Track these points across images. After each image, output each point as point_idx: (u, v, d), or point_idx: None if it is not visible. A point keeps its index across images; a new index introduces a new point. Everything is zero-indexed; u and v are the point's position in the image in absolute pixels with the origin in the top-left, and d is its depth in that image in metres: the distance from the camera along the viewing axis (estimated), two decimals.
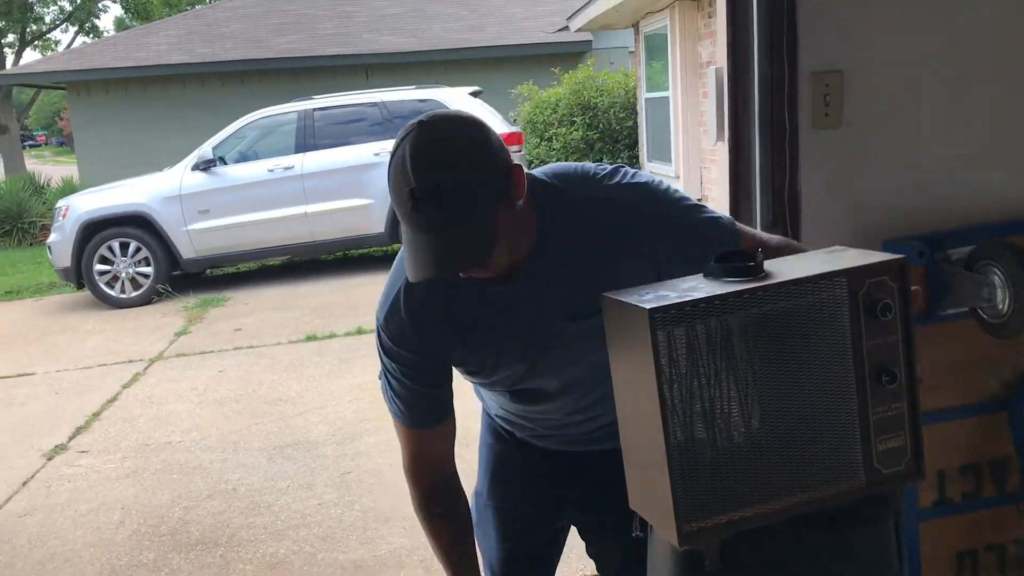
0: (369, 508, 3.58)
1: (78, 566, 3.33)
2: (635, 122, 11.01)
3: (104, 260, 8.31)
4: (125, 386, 5.65)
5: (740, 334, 1.08)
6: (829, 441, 1.12)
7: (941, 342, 1.81)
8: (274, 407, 4.96)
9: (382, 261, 9.13)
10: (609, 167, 1.42)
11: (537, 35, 15.40)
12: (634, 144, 11.03)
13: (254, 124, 8.90)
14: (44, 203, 13.61)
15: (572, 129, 10.91)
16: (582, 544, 1.81)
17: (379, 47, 15.18)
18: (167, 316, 7.72)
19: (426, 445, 1.53)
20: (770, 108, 1.79)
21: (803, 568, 1.18)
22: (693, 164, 9.00)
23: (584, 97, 11.06)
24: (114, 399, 5.39)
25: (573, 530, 1.81)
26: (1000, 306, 1.67)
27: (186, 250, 8.42)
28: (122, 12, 33.03)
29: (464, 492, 1.61)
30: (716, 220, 1.41)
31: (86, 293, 8.51)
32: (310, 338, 6.40)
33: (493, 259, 1.27)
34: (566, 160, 10.75)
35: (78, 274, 8.30)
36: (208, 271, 9.31)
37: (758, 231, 1.51)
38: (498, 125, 9.02)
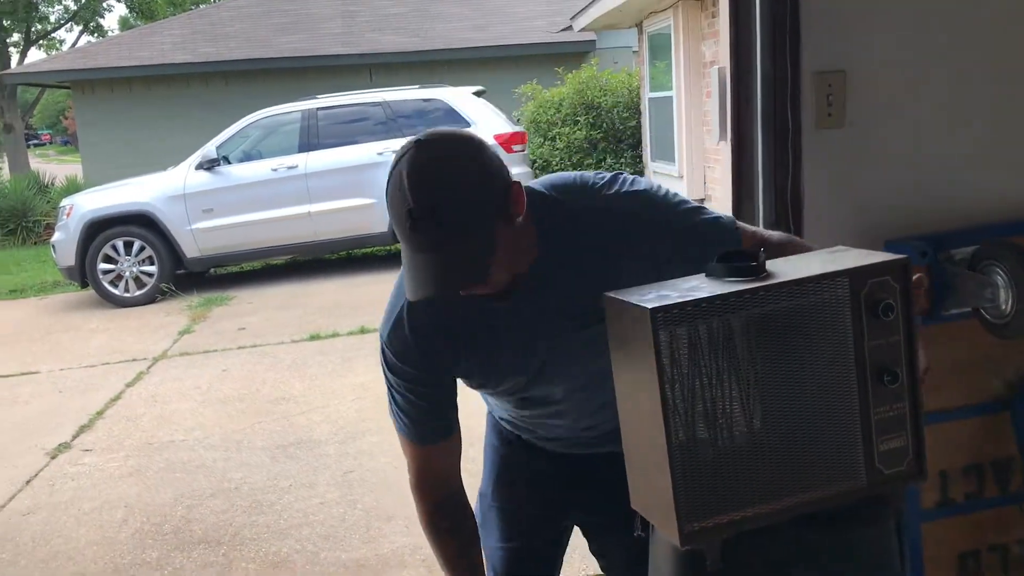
0: (371, 507, 3.58)
1: (81, 564, 3.34)
2: (639, 122, 11.00)
3: (108, 259, 8.32)
4: (129, 385, 5.66)
5: (742, 334, 1.08)
6: (831, 441, 1.12)
7: (944, 342, 1.80)
8: (277, 406, 4.97)
9: (385, 261, 9.14)
10: (608, 175, 1.42)
11: (541, 35, 15.40)
12: (637, 144, 11.02)
13: (258, 123, 8.92)
14: (48, 202, 13.64)
15: (575, 129, 10.91)
16: (584, 544, 1.81)
17: (383, 47, 15.18)
18: (171, 315, 7.73)
19: (432, 460, 1.54)
20: (773, 108, 1.78)
21: (804, 568, 1.18)
22: (696, 164, 8.99)
23: (588, 97, 11.05)
24: (118, 398, 5.40)
25: (576, 530, 1.81)
26: (1003, 306, 1.67)
27: (190, 249, 8.43)
28: (126, 11, 33.11)
29: (470, 505, 1.61)
30: (716, 220, 1.41)
31: (90, 292, 8.53)
32: (313, 337, 6.41)
33: (493, 276, 1.27)
34: (569, 159, 10.77)
35: (82, 273, 8.32)
36: (212, 270, 9.32)
37: (760, 228, 1.51)
38: (501, 124, 9.04)
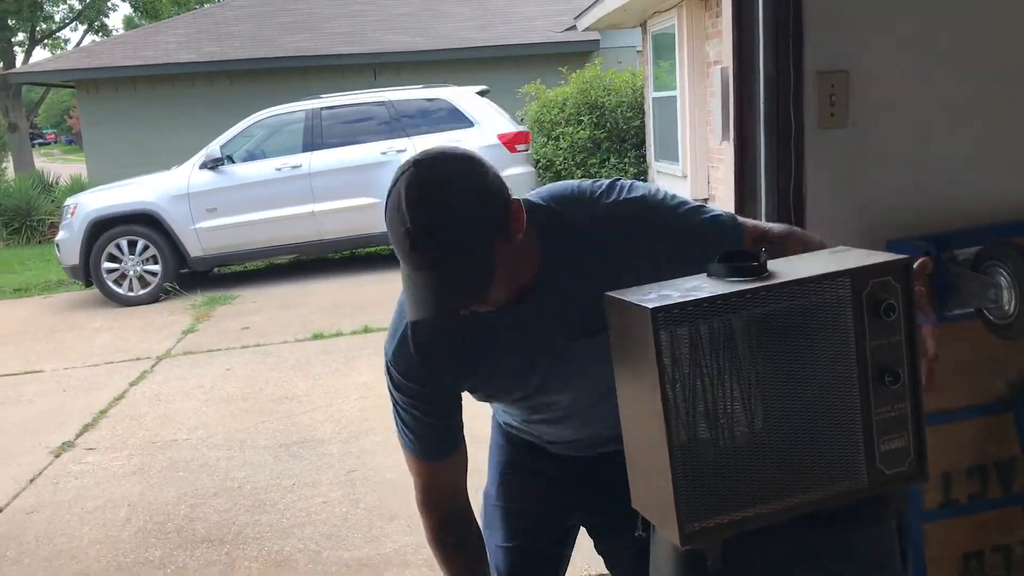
0: (374, 506, 3.59)
1: (84, 563, 3.35)
2: (642, 121, 11.00)
3: (112, 258, 8.33)
4: (132, 384, 5.67)
5: (743, 334, 1.08)
6: (832, 441, 1.12)
7: (947, 343, 1.78)
8: (280, 405, 4.98)
9: (389, 260, 9.14)
10: (605, 183, 1.42)
11: (545, 34, 15.40)
12: (641, 143, 11.02)
13: (262, 123, 8.93)
14: (53, 201, 13.66)
15: (579, 128, 10.91)
16: (587, 543, 1.81)
17: (387, 46, 15.19)
18: (175, 314, 7.74)
19: (438, 476, 1.54)
20: (776, 108, 1.78)
21: (805, 568, 1.18)
22: (700, 163, 8.99)
23: (591, 96, 11.05)
24: (121, 397, 5.41)
25: (581, 529, 1.81)
26: (1006, 307, 1.67)
27: (194, 248, 8.44)
28: (131, 11, 33.17)
29: (476, 521, 1.62)
30: (716, 219, 1.40)
31: (94, 291, 8.54)
32: (317, 336, 6.42)
33: (494, 293, 1.27)
34: (573, 159, 10.76)
35: (86, 272, 8.34)
36: (216, 269, 9.33)
37: (761, 221, 1.51)
38: (505, 124, 9.04)
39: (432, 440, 1.51)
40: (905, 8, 1.78)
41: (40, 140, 51.87)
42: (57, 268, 9.37)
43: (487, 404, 1.72)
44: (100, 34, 29.95)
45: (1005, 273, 1.63)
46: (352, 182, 8.55)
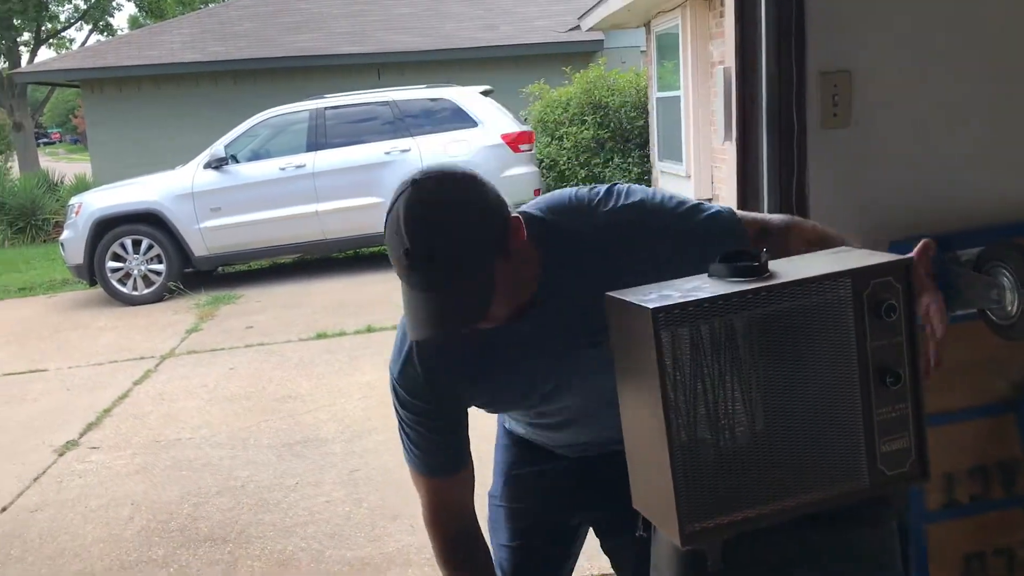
0: (377, 506, 3.59)
1: (88, 561, 3.35)
2: (646, 121, 10.99)
3: (116, 257, 8.35)
4: (136, 383, 5.68)
5: (744, 334, 1.08)
6: (833, 442, 1.12)
7: (949, 343, 1.79)
8: (284, 404, 4.98)
9: None
10: (603, 190, 1.42)
11: (549, 34, 15.40)
12: (645, 143, 11.01)
13: (266, 123, 8.94)
14: (57, 200, 13.69)
15: (583, 128, 10.90)
16: (591, 544, 1.82)
17: (391, 46, 15.20)
18: (179, 313, 7.75)
19: (446, 493, 1.54)
20: (778, 108, 1.78)
21: (806, 569, 1.18)
22: (704, 163, 8.98)
23: (595, 96, 11.04)
24: (125, 396, 5.42)
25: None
26: (1009, 307, 1.66)
27: (198, 248, 8.45)
28: (136, 10, 33.21)
29: (483, 537, 1.62)
30: (715, 215, 1.40)
31: (98, 290, 8.56)
32: (320, 336, 6.42)
33: (494, 311, 1.28)
34: (576, 159, 10.75)
35: (90, 271, 8.35)
36: (220, 269, 9.35)
37: (760, 213, 1.50)
38: (509, 124, 9.04)
39: (439, 457, 1.51)
40: (907, 8, 1.77)
41: (45, 139, 52.00)
42: (62, 267, 9.39)
43: None
44: (105, 34, 29.99)
45: (1007, 273, 1.62)
46: (356, 182, 8.56)
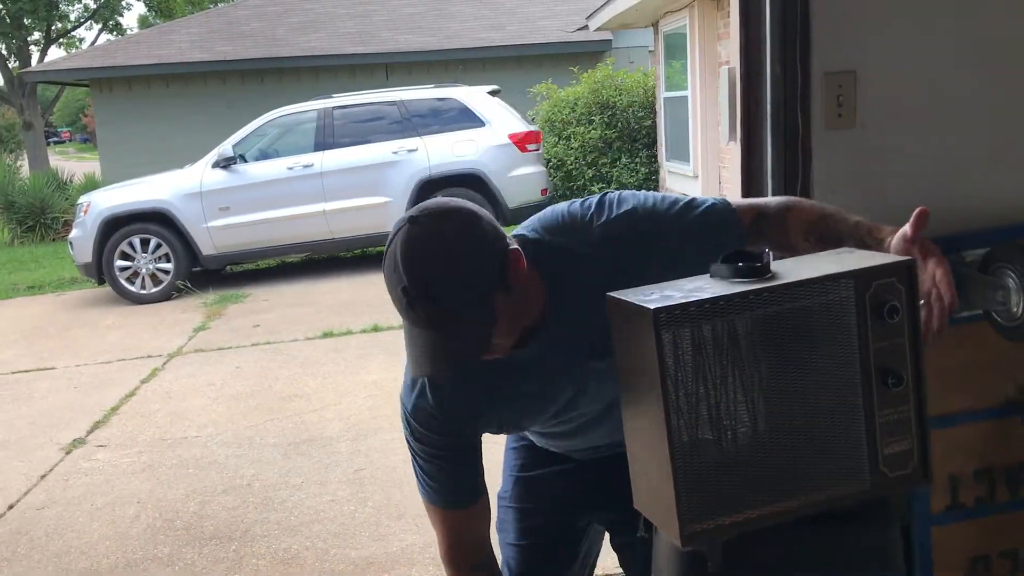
0: (382, 505, 3.59)
1: (93, 559, 3.37)
2: (653, 121, 10.98)
3: (125, 256, 8.38)
4: (143, 381, 5.70)
5: (746, 335, 1.07)
6: (834, 443, 1.11)
7: (954, 345, 1.79)
8: (290, 403, 4.99)
9: None
10: (594, 202, 1.41)
11: (556, 34, 15.39)
12: (652, 143, 11.00)
13: (274, 122, 8.96)
14: (67, 199, 13.73)
15: (590, 128, 10.90)
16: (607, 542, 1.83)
17: (399, 46, 15.22)
18: (186, 312, 7.78)
19: (463, 526, 1.53)
20: (783, 108, 1.77)
21: (807, 570, 1.18)
22: (711, 164, 8.96)
23: (603, 96, 11.04)
24: (132, 394, 5.44)
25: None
26: (1015, 309, 1.65)
27: (206, 246, 8.47)
28: (145, 10, 33.32)
29: (499, 570, 1.62)
30: (708, 211, 1.39)
31: (107, 289, 8.59)
32: (327, 335, 6.43)
33: (497, 344, 1.28)
34: (584, 159, 10.75)
35: (99, 270, 8.38)
36: (227, 268, 9.37)
37: (758, 199, 1.48)
38: (516, 124, 9.04)
39: (455, 488, 1.51)
40: (913, 8, 1.77)
41: (55, 138, 52.24)
42: (70, 266, 9.42)
43: None
44: (115, 33, 30.11)
45: (1013, 275, 1.62)
46: (363, 181, 8.58)
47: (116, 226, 8.37)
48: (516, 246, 1.30)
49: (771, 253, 1.53)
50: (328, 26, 16.01)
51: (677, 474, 1.06)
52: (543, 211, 1.46)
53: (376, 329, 6.35)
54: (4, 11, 25.28)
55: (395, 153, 8.61)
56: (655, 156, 10.95)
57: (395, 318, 1.51)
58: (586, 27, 13.11)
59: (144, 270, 8.40)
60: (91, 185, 13.38)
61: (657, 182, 10.86)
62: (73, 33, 32.04)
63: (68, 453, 4.52)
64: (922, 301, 1.15)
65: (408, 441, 1.50)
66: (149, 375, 5.82)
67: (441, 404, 1.43)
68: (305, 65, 14.73)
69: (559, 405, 1.48)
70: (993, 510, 1.92)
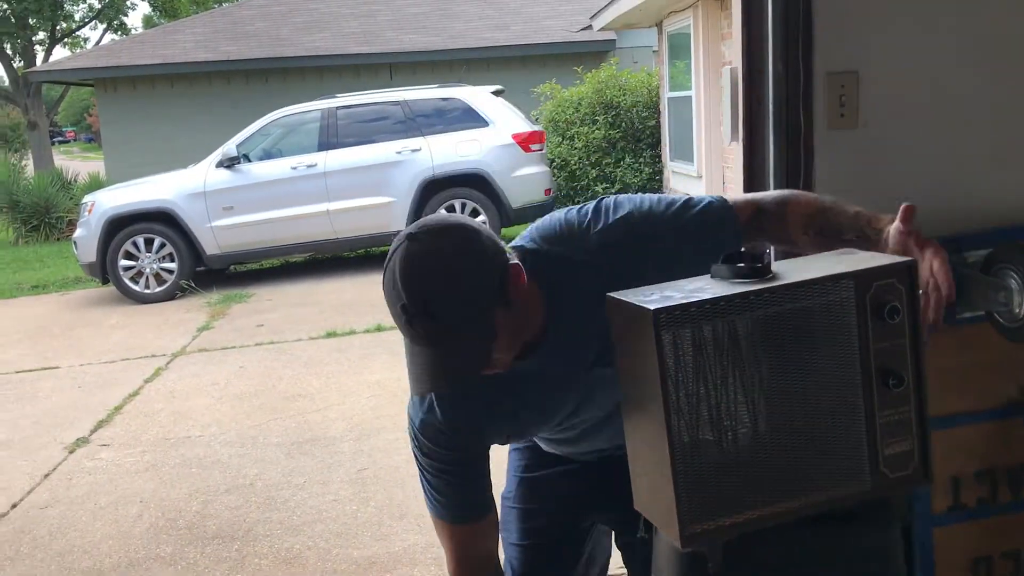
0: (384, 505, 3.59)
1: (96, 558, 3.37)
2: (657, 121, 10.97)
3: (129, 255, 8.38)
4: (147, 380, 5.70)
5: (747, 336, 1.07)
6: (835, 444, 1.11)
7: (957, 346, 1.79)
8: (293, 403, 5.00)
9: None
10: (591, 209, 1.41)
11: (560, 34, 15.39)
12: (656, 143, 10.99)
13: (278, 122, 8.96)
14: (71, 198, 13.75)
15: (594, 128, 10.89)
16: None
17: (403, 46, 15.23)
18: (190, 311, 7.78)
19: (471, 541, 1.53)
20: (785, 108, 1.77)
21: (808, 571, 1.18)
22: (715, 163, 8.96)
23: (607, 96, 11.03)
24: (136, 393, 5.44)
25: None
26: (1016, 310, 1.65)
27: (210, 246, 8.48)
28: (150, 10, 33.37)
29: None
30: (704, 210, 1.39)
31: (111, 288, 8.60)
32: (330, 335, 6.44)
33: (498, 358, 1.28)
34: (588, 159, 10.74)
35: (103, 269, 8.39)
36: (231, 267, 9.38)
37: (756, 194, 1.48)
38: (520, 124, 9.04)
39: (463, 503, 1.51)
40: (915, 8, 1.76)
41: (60, 138, 52.32)
42: (75, 265, 9.44)
43: None
44: (119, 33, 30.14)
45: (1015, 276, 1.61)
46: (367, 181, 8.58)
47: (120, 226, 8.38)
48: (516, 260, 1.30)
49: (772, 254, 1.53)
50: (332, 26, 16.02)
51: (677, 475, 1.06)
52: (541, 220, 1.46)
53: (380, 329, 6.36)
54: (9, 11, 25.31)
55: (399, 153, 8.62)
56: (659, 156, 10.95)
57: None
58: (590, 27, 13.11)
59: (148, 270, 8.41)
60: (95, 185, 13.40)
61: (661, 182, 10.85)
62: (78, 33, 32.07)
63: (71, 452, 4.53)
64: (920, 291, 1.14)
65: (416, 456, 1.50)
66: (153, 374, 5.83)
67: (449, 419, 1.43)
68: (309, 65, 14.74)
69: (564, 413, 1.48)
70: (995, 511, 1.92)
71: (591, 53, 14.61)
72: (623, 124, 10.97)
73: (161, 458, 4.33)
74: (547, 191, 9.12)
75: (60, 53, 29.97)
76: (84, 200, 9.01)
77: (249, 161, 8.66)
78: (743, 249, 1.41)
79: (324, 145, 8.72)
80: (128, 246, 8.36)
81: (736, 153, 1.90)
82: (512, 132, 8.86)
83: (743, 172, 1.88)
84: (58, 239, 13.27)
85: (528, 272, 1.31)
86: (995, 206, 1.79)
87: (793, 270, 1.13)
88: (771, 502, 1.10)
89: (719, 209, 1.39)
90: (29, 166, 20.25)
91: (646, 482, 1.15)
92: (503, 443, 1.56)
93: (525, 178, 8.85)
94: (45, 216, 13.63)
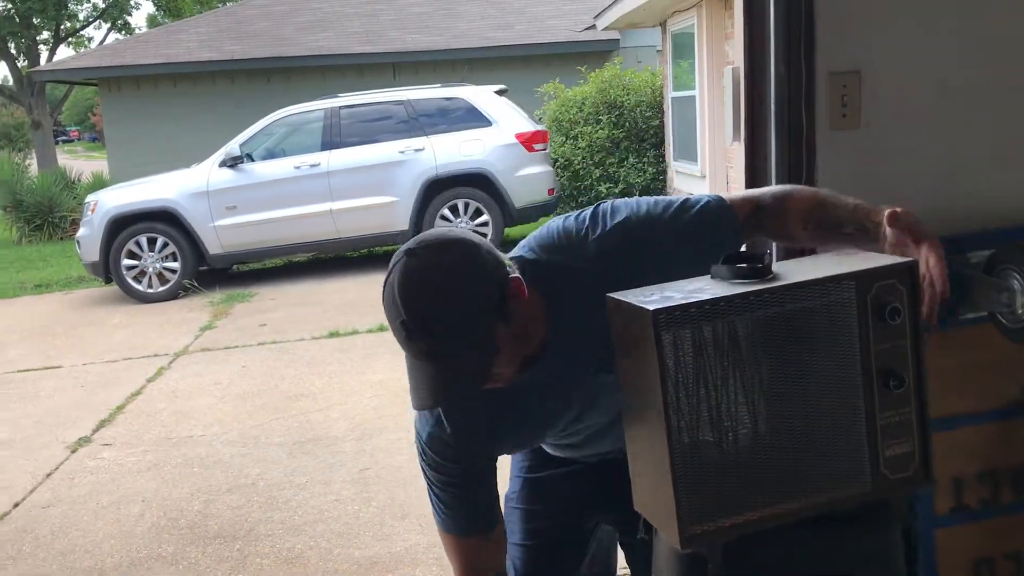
0: (386, 505, 3.59)
1: (98, 557, 3.37)
2: (661, 121, 10.95)
3: (132, 255, 8.40)
4: (149, 380, 5.71)
5: (747, 336, 1.07)
6: (835, 445, 1.11)
7: (959, 347, 1.78)
8: (295, 403, 5.00)
9: None
10: (588, 216, 1.40)
11: (564, 33, 15.38)
12: (660, 143, 10.97)
13: (281, 121, 8.97)
14: (75, 198, 13.78)
15: (598, 128, 10.87)
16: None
17: (406, 45, 15.23)
18: (193, 311, 7.79)
19: (481, 555, 1.53)
20: (787, 108, 1.76)
21: (808, 572, 1.17)
22: (719, 163, 8.95)
23: (610, 96, 11.01)
24: (138, 393, 5.45)
25: None
26: (1019, 311, 1.64)
27: (213, 246, 8.49)
28: (154, 9, 33.41)
29: None
30: (702, 210, 1.38)
31: (114, 287, 8.61)
32: (333, 334, 6.44)
33: (500, 371, 1.28)
34: (591, 158, 10.72)
35: (106, 268, 8.40)
36: (234, 267, 9.39)
37: (754, 190, 1.47)
38: (523, 123, 9.04)
39: (469, 516, 1.50)
40: (917, 8, 1.76)
41: (64, 137, 52.41)
42: (78, 264, 9.45)
43: None
44: (123, 32, 30.16)
45: (1018, 277, 1.61)
46: (370, 181, 8.59)
47: (123, 225, 8.40)
48: (516, 274, 1.29)
49: (773, 254, 1.53)
50: (335, 25, 16.02)
51: (677, 475, 1.06)
52: (539, 229, 1.46)
53: (382, 329, 6.35)
54: (13, 10, 25.37)
55: (402, 153, 8.62)
56: (663, 156, 10.93)
57: None
58: (594, 26, 13.10)
59: (151, 269, 8.42)
60: (99, 184, 13.42)
61: (665, 182, 10.84)
62: (82, 32, 32.12)
63: (74, 452, 4.53)
64: None
65: (424, 470, 1.50)
66: (155, 374, 5.83)
67: (457, 432, 1.43)
68: (312, 64, 14.74)
69: (567, 420, 1.48)
70: (997, 512, 1.91)
71: (595, 52, 14.59)
72: (627, 124, 10.95)
73: (163, 457, 4.33)
74: (550, 191, 9.12)
75: (64, 52, 30.02)
76: (87, 199, 9.03)
77: (252, 160, 8.66)
78: (743, 249, 1.41)
79: (327, 145, 8.72)
80: (131, 245, 8.38)
81: (739, 153, 1.89)
82: (515, 132, 8.86)
83: (745, 172, 1.87)
84: (61, 238, 13.30)
85: (528, 283, 1.30)
86: (997, 206, 1.78)
87: (794, 270, 1.13)
88: (771, 503, 1.09)
89: (717, 208, 1.38)
90: (33, 165, 20.27)
91: (646, 483, 1.15)
92: (509, 453, 1.56)
93: (528, 178, 8.85)
94: (48, 215, 13.66)
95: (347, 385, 5.25)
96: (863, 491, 1.11)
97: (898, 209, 1.19)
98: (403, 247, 1.27)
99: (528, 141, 8.87)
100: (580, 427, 1.52)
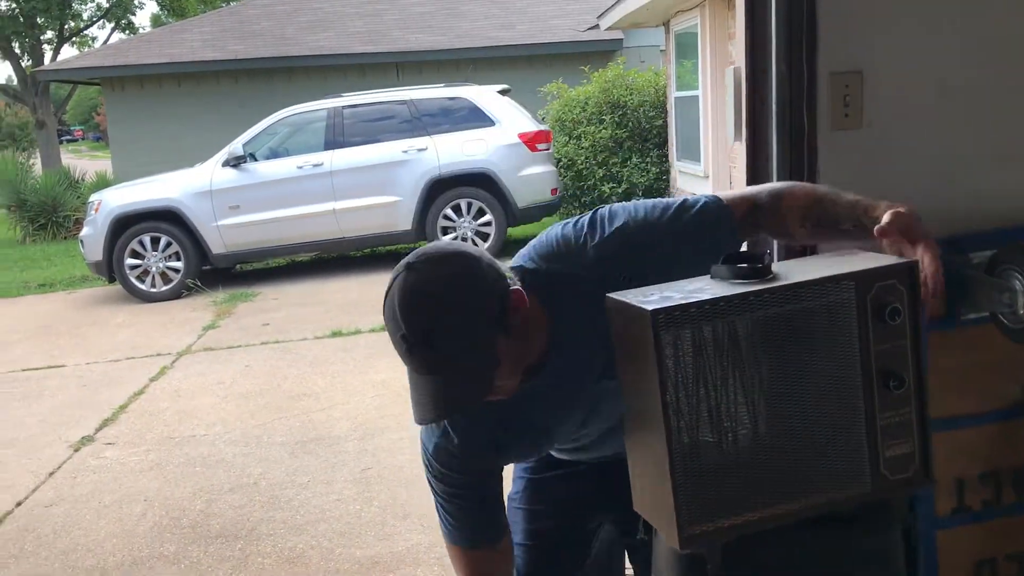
0: (388, 504, 3.59)
1: (100, 556, 3.38)
2: (664, 121, 10.95)
3: (135, 254, 8.41)
4: (152, 379, 5.71)
5: (747, 336, 1.07)
6: (835, 446, 1.11)
7: (960, 347, 1.78)
8: (298, 402, 5.00)
9: None
10: (586, 222, 1.40)
11: (567, 33, 15.37)
12: (663, 143, 10.97)
13: (284, 121, 8.97)
14: (78, 197, 13.80)
15: (601, 128, 10.87)
16: None
17: (409, 45, 15.23)
18: (196, 310, 7.80)
19: (485, 566, 1.53)
20: (788, 108, 1.76)
21: (808, 573, 1.17)
22: (722, 163, 8.94)
23: (613, 95, 11.00)
24: (141, 392, 5.46)
25: None
26: (1021, 311, 1.64)
27: (216, 245, 8.50)
28: (158, 9, 33.45)
29: None
30: (700, 211, 1.38)
31: (117, 287, 8.62)
32: (336, 334, 6.44)
33: (501, 384, 1.27)
34: (595, 158, 10.72)
35: (109, 268, 8.41)
36: (237, 266, 9.40)
37: (752, 188, 1.47)
38: (526, 123, 9.04)
39: (475, 526, 1.51)
40: (919, 8, 1.75)
41: (68, 137, 52.53)
42: (82, 264, 9.47)
43: None
44: (127, 32, 30.22)
45: (1020, 277, 1.60)
46: (373, 180, 8.59)
47: (127, 224, 8.41)
48: (517, 286, 1.29)
49: (773, 254, 1.53)
50: (338, 25, 16.03)
51: (676, 476, 1.06)
52: (538, 237, 1.45)
53: (384, 329, 6.34)
54: (17, 10, 25.41)
55: (405, 152, 8.62)
56: (666, 156, 10.92)
57: None
58: (597, 26, 13.09)
59: (154, 268, 8.43)
60: (102, 183, 13.45)
61: (668, 182, 10.83)
62: (86, 32, 32.20)
63: (76, 451, 4.54)
64: None
65: (430, 482, 1.50)
66: (158, 373, 5.84)
67: (462, 442, 1.43)
68: (315, 64, 14.75)
69: (571, 427, 1.49)
70: (999, 513, 1.91)
71: (598, 52, 14.59)
72: (630, 124, 10.95)
73: (165, 457, 4.34)
74: (553, 191, 9.12)
75: (68, 52, 30.10)
76: (91, 199, 9.04)
77: (255, 160, 8.67)
78: (744, 248, 1.41)
79: (330, 144, 8.73)
80: (134, 245, 8.39)
81: (741, 153, 1.89)
82: (518, 131, 8.86)
83: (746, 173, 1.86)
84: (65, 238, 13.32)
85: (529, 293, 1.30)
86: (999, 206, 1.78)
87: (794, 270, 1.13)
88: (771, 504, 1.09)
89: (715, 208, 1.38)
90: (37, 165, 20.33)
91: (646, 483, 1.15)
92: (515, 462, 1.56)
93: (531, 178, 8.85)
94: (52, 215, 13.68)
95: (349, 385, 5.25)
96: (863, 492, 1.11)
97: (901, 209, 1.19)
98: (403, 261, 1.27)
99: (531, 141, 8.87)
100: (584, 433, 1.52)
